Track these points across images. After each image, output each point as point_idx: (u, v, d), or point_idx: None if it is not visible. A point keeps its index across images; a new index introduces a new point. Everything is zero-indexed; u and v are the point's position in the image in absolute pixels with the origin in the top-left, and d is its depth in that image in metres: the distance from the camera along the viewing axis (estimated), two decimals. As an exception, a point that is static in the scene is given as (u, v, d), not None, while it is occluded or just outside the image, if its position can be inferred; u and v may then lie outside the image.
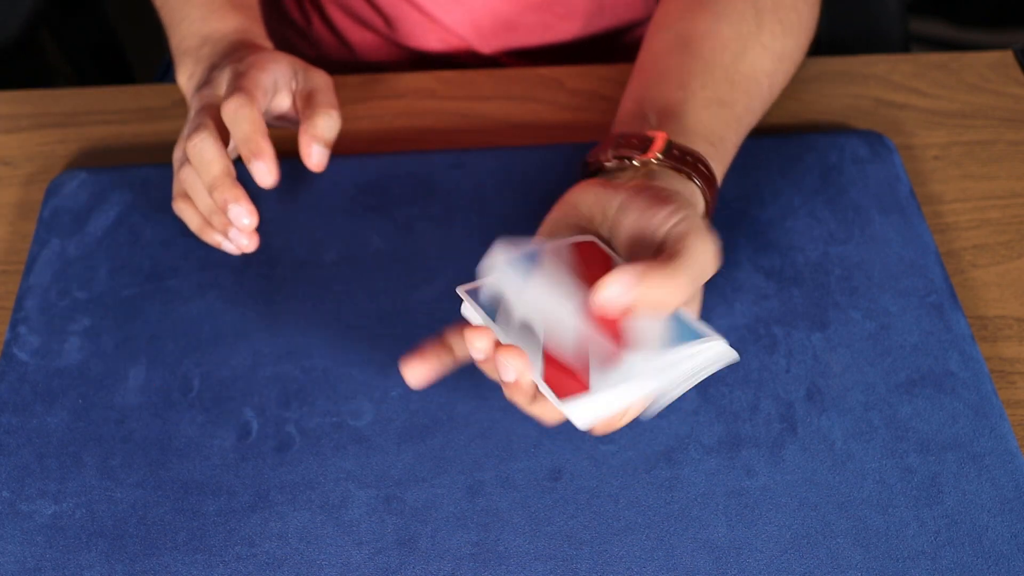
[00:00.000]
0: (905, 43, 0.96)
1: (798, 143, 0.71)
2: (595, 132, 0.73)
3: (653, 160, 0.56)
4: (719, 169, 0.60)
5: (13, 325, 0.62)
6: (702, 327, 0.50)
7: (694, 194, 0.57)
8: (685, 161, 0.57)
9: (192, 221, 0.63)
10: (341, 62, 0.88)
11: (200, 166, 0.59)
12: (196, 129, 0.59)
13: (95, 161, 0.72)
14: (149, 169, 0.70)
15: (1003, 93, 0.76)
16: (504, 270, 0.52)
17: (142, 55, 1.11)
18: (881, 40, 0.95)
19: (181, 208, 0.63)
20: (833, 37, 0.91)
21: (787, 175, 0.69)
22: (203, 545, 0.53)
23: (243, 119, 0.58)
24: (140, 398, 0.59)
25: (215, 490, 0.55)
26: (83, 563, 0.53)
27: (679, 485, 0.55)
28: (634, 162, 0.57)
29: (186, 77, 0.67)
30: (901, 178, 0.69)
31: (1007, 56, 0.79)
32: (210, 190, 0.59)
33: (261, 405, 0.59)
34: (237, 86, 0.59)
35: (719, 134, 0.60)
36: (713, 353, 0.49)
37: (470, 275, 0.63)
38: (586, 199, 0.55)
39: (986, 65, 0.78)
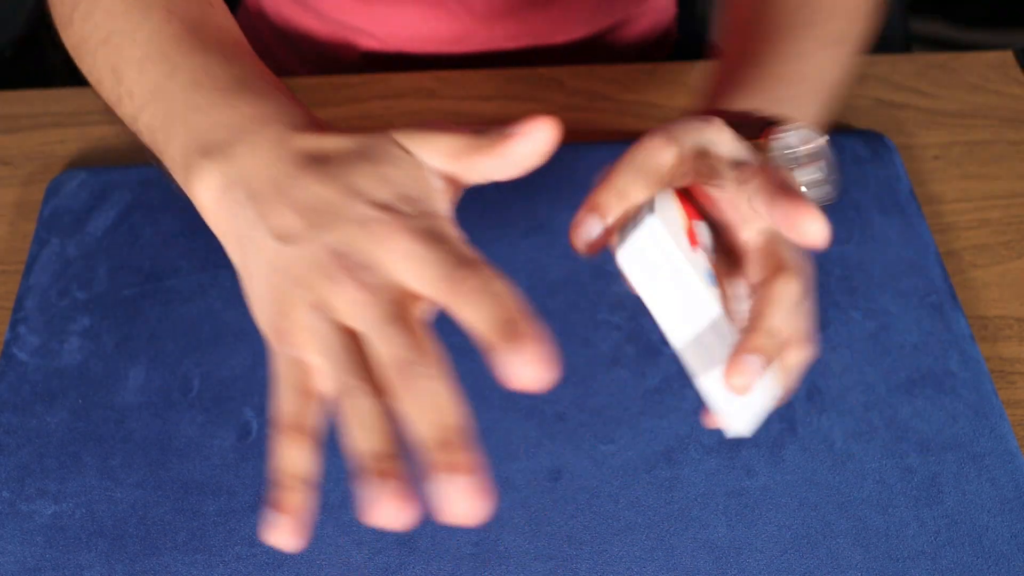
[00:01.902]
0: (906, 43, 0.96)
1: (798, 143, 0.71)
2: (595, 132, 0.73)
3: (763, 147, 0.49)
4: (733, 93, 0.52)
5: (13, 325, 0.62)
6: None
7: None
8: (741, 128, 0.48)
9: (294, 465, 0.40)
10: (340, 62, 0.88)
11: (428, 405, 0.37)
12: (415, 362, 0.37)
13: (95, 161, 0.72)
14: (149, 169, 0.70)
15: (1003, 93, 0.76)
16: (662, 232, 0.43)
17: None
18: (882, 40, 0.95)
19: (286, 445, 0.40)
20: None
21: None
22: (203, 545, 0.53)
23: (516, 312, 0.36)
24: (140, 398, 0.59)
25: (215, 490, 0.55)
26: (83, 563, 0.53)
27: (679, 485, 0.55)
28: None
29: (216, 185, 0.43)
30: (901, 178, 0.69)
31: (1007, 56, 0.79)
32: (438, 444, 0.37)
33: (261, 405, 0.59)
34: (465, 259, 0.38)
35: (734, 78, 0.53)
36: None
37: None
38: (724, 191, 0.46)
39: (986, 65, 0.78)
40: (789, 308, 0.44)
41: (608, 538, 0.54)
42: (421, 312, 0.40)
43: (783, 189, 0.42)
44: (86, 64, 0.55)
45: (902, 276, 0.64)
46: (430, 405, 0.37)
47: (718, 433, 0.57)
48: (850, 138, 0.71)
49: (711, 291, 0.43)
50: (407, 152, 0.43)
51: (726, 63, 0.56)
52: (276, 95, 0.47)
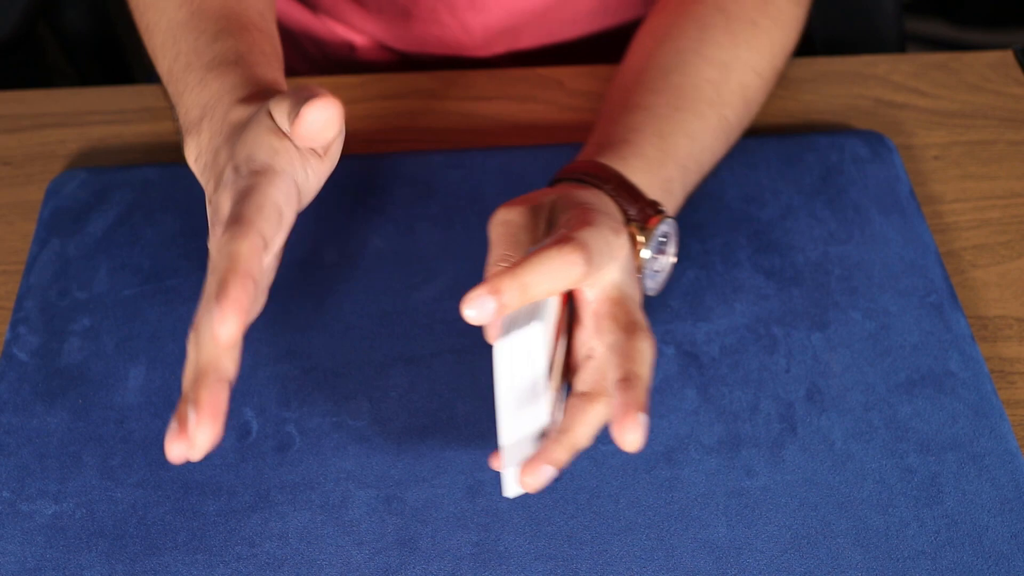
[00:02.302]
0: (901, 42, 0.96)
1: (798, 143, 0.71)
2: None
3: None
4: (632, 161, 0.58)
5: (13, 325, 0.62)
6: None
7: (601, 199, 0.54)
8: (586, 181, 0.55)
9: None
10: (341, 62, 0.88)
11: (200, 340, 0.45)
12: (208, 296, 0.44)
13: (95, 161, 0.72)
14: (149, 169, 0.70)
15: (1003, 93, 0.76)
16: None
17: (141, 46, 1.10)
18: (877, 39, 0.95)
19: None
20: (828, 36, 0.91)
21: (787, 175, 0.69)
22: (203, 545, 0.53)
23: (226, 256, 0.43)
24: (140, 398, 0.59)
25: (215, 490, 0.55)
26: (83, 563, 0.53)
27: (679, 485, 0.55)
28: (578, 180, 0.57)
29: (192, 159, 0.53)
30: (901, 178, 0.69)
31: (1007, 56, 0.79)
32: (195, 375, 0.44)
33: (261, 405, 0.59)
34: (233, 216, 0.45)
35: (636, 127, 0.59)
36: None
37: (470, 275, 0.63)
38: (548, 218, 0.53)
39: (986, 65, 0.78)
40: (650, 364, 0.48)
41: (608, 538, 0.54)
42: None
43: (633, 389, 0.47)
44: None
45: (902, 276, 0.64)
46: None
47: (718, 433, 0.57)
48: (850, 138, 0.71)
49: (551, 401, 0.49)
50: (268, 116, 0.48)
51: (630, 112, 0.61)
52: (237, 69, 0.53)
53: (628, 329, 0.49)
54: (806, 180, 0.69)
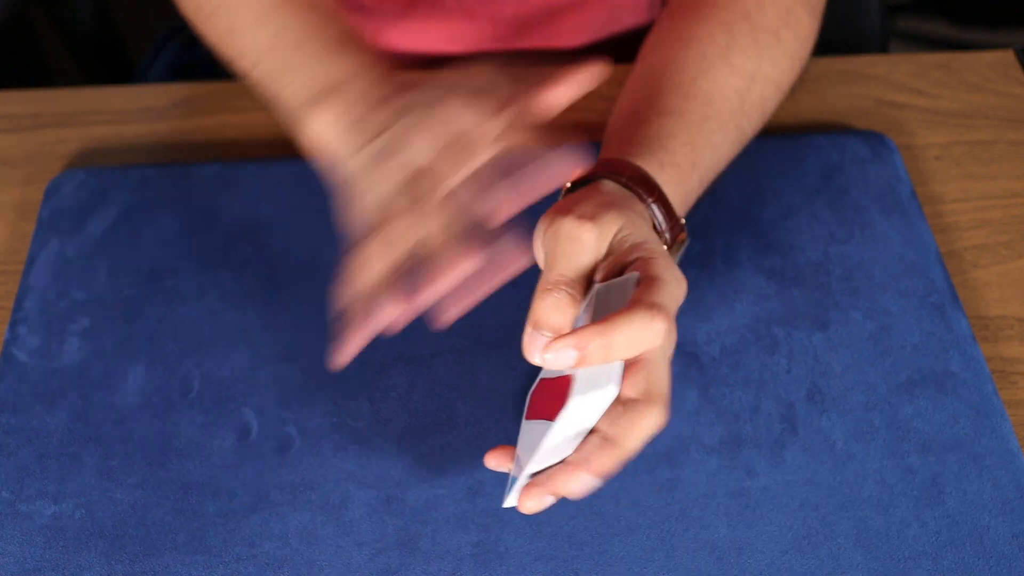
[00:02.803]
0: (884, 42, 0.96)
1: (799, 143, 0.71)
2: (595, 132, 0.72)
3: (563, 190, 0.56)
4: (668, 170, 0.57)
5: (13, 325, 0.62)
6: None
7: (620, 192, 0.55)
8: (599, 173, 0.55)
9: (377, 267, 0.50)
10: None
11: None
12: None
13: (95, 161, 0.72)
14: (149, 169, 0.70)
15: (1004, 93, 0.76)
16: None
17: (141, 41, 1.10)
18: (861, 39, 0.94)
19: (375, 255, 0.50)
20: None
21: (788, 175, 0.69)
22: (203, 546, 0.53)
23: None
24: (140, 398, 0.59)
25: (215, 491, 0.55)
26: (83, 564, 0.53)
27: (680, 485, 0.55)
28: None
29: (328, 121, 0.55)
30: (902, 178, 0.69)
31: (1008, 56, 0.79)
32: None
33: (261, 405, 0.58)
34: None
35: (669, 134, 0.58)
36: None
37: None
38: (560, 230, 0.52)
39: (987, 65, 0.78)
40: (643, 439, 0.48)
41: (609, 538, 0.54)
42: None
43: (606, 454, 0.48)
44: (201, 28, 0.66)
45: (903, 276, 0.64)
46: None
47: (719, 433, 0.57)
48: (851, 138, 0.71)
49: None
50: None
51: (663, 115, 0.60)
52: (365, 52, 0.58)
53: (645, 396, 0.48)
54: (807, 180, 0.69)
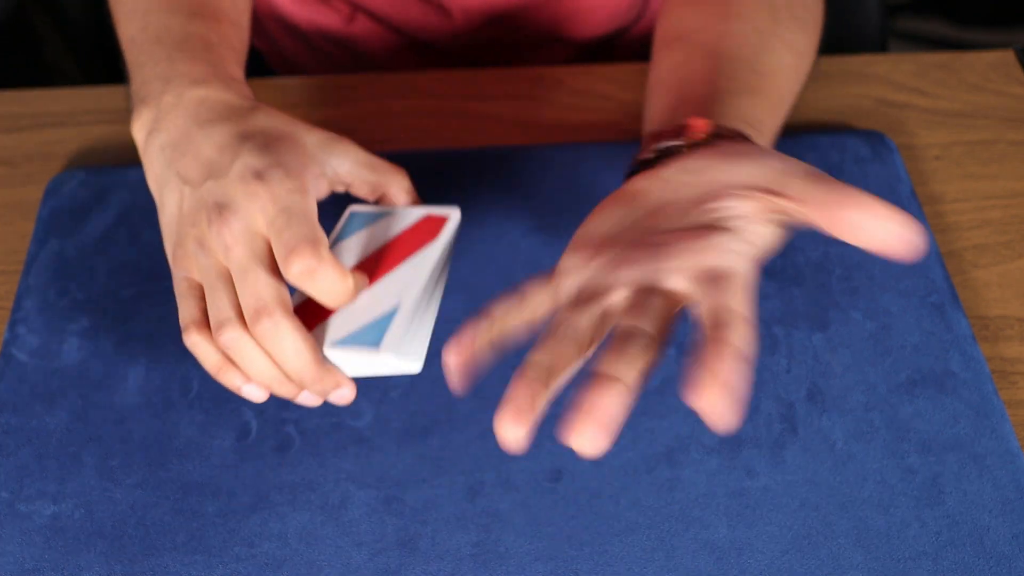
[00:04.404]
0: (884, 42, 0.96)
1: (799, 143, 0.71)
2: (595, 132, 0.73)
3: (702, 137, 0.49)
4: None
5: (12, 325, 0.62)
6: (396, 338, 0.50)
7: None
8: (735, 139, 0.49)
9: (208, 359, 0.51)
10: (339, 57, 0.88)
11: (277, 354, 0.49)
12: (261, 311, 0.48)
13: (94, 161, 0.72)
14: (148, 169, 0.70)
15: (1004, 93, 0.76)
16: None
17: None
18: (860, 37, 0.94)
19: (196, 342, 0.50)
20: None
21: (788, 175, 0.69)
22: (203, 546, 0.53)
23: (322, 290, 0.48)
24: (139, 398, 0.59)
25: (215, 491, 0.55)
26: (82, 564, 0.53)
27: (680, 486, 0.55)
28: (682, 148, 0.49)
29: (143, 131, 0.55)
30: (902, 178, 0.69)
31: (1008, 56, 0.79)
32: (300, 382, 0.50)
33: (260, 405, 0.58)
34: (292, 239, 0.47)
35: (758, 118, 0.55)
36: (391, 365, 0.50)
37: (469, 274, 0.63)
38: (637, 181, 0.48)
39: (987, 65, 0.78)
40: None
41: (609, 539, 0.54)
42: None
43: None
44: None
45: (903, 276, 0.64)
46: (275, 349, 0.48)
47: (719, 433, 0.57)
48: (851, 138, 0.71)
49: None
50: (295, 139, 0.53)
51: (741, 95, 0.56)
52: (209, 57, 0.56)
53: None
54: (807, 180, 0.69)
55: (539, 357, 0.41)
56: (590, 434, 0.37)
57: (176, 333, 0.61)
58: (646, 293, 0.42)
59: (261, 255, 0.49)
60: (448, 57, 0.86)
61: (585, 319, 0.42)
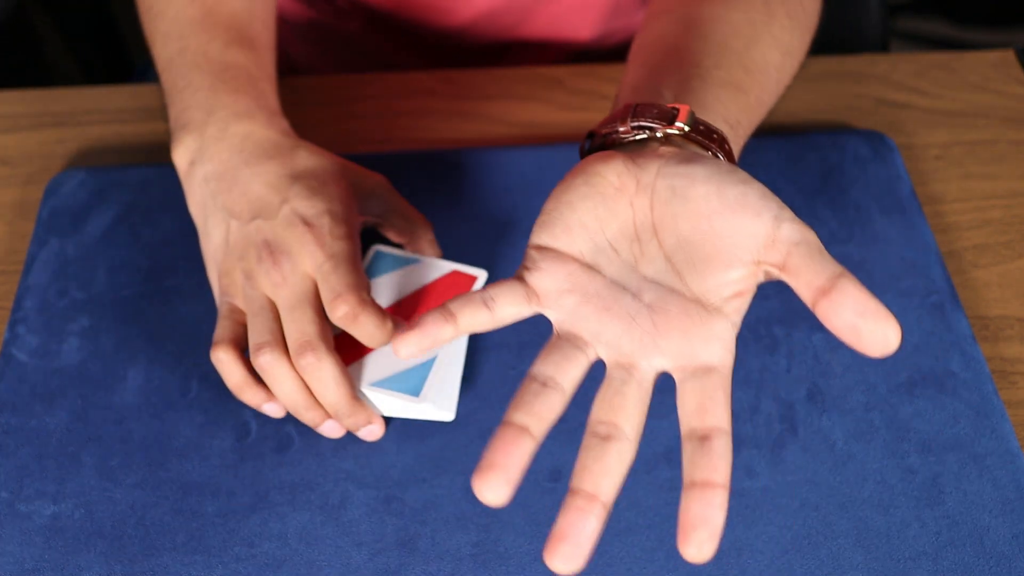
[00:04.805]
0: (884, 41, 0.96)
1: (799, 143, 0.71)
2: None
3: (678, 132, 0.49)
4: (735, 154, 0.54)
5: (12, 325, 0.62)
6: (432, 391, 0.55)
7: None
8: (711, 138, 0.49)
9: (232, 376, 0.54)
10: (340, 54, 0.88)
11: (317, 387, 0.53)
12: (306, 346, 0.52)
13: (94, 161, 0.72)
14: (149, 169, 0.70)
15: (1005, 93, 0.76)
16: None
17: (138, 41, 1.10)
18: (860, 37, 0.95)
19: (222, 359, 0.54)
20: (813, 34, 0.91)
21: (788, 175, 0.69)
22: (202, 546, 0.53)
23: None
24: (139, 398, 0.59)
25: (214, 491, 0.55)
26: (82, 564, 0.53)
27: (679, 486, 0.55)
28: (657, 134, 0.49)
29: (186, 159, 0.58)
30: (902, 178, 0.69)
31: (1008, 55, 0.79)
32: (334, 415, 0.54)
33: (261, 405, 0.58)
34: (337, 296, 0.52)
35: (736, 117, 0.54)
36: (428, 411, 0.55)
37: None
38: (613, 168, 0.46)
39: (988, 65, 0.78)
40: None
41: (608, 539, 0.54)
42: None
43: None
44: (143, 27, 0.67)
45: (903, 276, 0.64)
46: (316, 382, 0.52)
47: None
48: (851, 138, 0.71)
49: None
50: (339, 181, 0.58)
51: (722, 87, 0.55)
52: (253, 94, 0.59)
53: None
54: (807, 180, 0.69)
55: (519, 417, 0.40)
56: (568, 555, 0.38)
57: (176, 333, 0.61)
58: (625, 371, 0.42)
59: (308, 295, 0.53)
60: (448, 57, 0.86)
61: (567, 380, 0.42)
